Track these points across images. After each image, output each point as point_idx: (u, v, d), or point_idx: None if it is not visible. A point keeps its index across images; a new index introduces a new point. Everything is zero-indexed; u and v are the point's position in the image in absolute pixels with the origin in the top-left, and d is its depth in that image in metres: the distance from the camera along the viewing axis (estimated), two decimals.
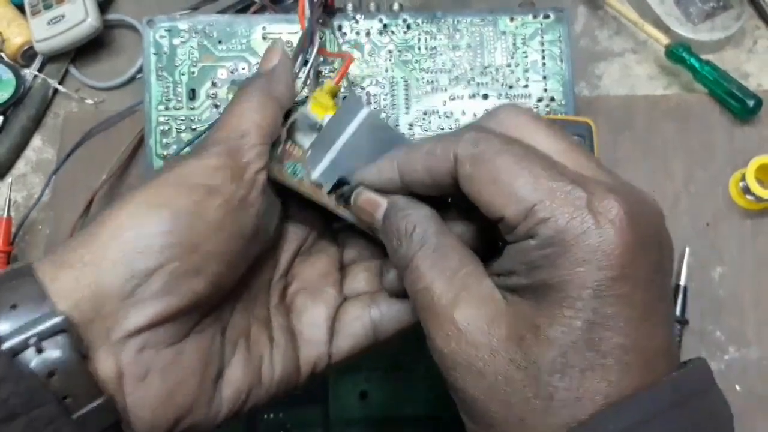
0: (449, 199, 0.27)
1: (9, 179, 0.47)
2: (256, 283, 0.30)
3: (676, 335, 0.43)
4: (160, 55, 0.40)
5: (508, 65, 0.41)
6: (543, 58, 0.41)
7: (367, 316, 0.30)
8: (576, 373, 0.21)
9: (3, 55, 0.48)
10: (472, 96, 0.41)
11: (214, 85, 0.40)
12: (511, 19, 0.41)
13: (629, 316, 0.21)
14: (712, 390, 0.23)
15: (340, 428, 0.38)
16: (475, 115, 0.41)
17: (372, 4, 0.43)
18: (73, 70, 0.49)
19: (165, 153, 0.40)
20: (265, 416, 0.38)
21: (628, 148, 0.47)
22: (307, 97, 0.33)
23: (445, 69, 0.41)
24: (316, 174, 0.29)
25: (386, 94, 0.41)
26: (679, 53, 0.47)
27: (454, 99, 0.41)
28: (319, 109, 0.30)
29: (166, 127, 0.40)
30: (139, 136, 0.44)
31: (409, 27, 0.41)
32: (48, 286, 0.24)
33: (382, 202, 0.27)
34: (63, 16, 0.46)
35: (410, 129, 0.41)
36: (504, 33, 0.41)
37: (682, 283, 0.44)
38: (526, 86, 0.41)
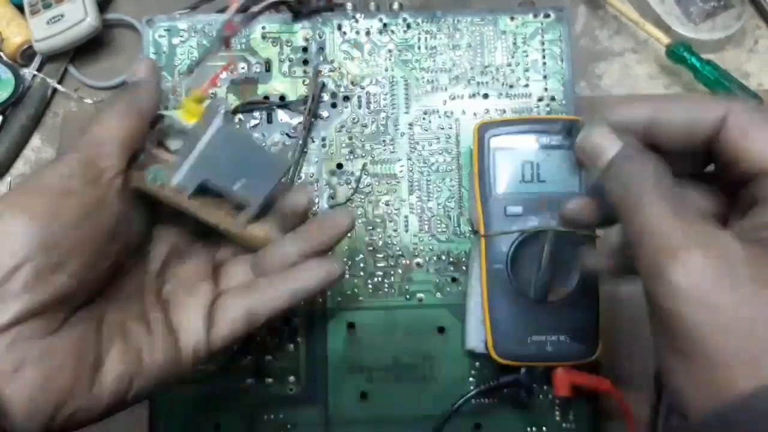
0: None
1: (8, 179, 0.47)
2: (129, 282, 0.32)
3: None
4: (160, 55, 0.40)
5: (509, 65, 0.41)
6: (543, 57, 0.41)
7: (242, 304, 0.32)
8: None
9: (2, 54, 0.48)
10: (472, 95, 0.41)
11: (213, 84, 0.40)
12: (512, 19, 0.41)
13: None
14: None
15: (340, 428, 0.38)
16: (475, 114, 0.41)
17: (372, 3, 0.42)
18: (72, 69, 0.49)
19: None
20: (265, 416, 0.38)
21: None
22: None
23: (445, 68, 0.41)
24: (176, 179, 0.31)
25: (386, 94, 0.41)
26: (679, 53, 0.46)
27: (454, 98, 0.41)
28: (187, 116, 0.32)
29: None
30: None
31: (409, 26, 0.41)
32: None
33: (616, 142, 0.27)
34: (62, 16, 0.46)
35: (410, 129, 0.41)
36: (504, 32, 0.41)
37: None
38: (526, 86, 0.41)
